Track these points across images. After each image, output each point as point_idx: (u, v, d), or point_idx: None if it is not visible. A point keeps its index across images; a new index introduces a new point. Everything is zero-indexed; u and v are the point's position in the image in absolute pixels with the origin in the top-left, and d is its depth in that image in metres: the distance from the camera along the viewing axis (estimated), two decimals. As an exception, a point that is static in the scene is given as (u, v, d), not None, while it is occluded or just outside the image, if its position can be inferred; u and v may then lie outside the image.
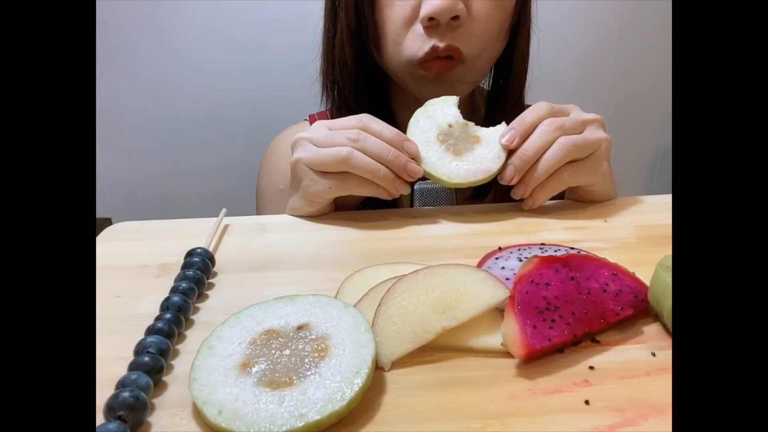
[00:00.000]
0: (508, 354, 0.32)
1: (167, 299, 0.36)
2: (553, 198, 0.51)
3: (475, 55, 0.56)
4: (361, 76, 0.61)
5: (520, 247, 0.42)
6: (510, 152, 0.49)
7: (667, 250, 0.35)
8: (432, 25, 0.53)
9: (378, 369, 0.31)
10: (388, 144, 0.47)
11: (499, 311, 0.34)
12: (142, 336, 0.32)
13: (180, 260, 0.41)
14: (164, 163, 1.30)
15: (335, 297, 0.36)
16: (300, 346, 0.30)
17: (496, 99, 0.65)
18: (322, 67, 0.65)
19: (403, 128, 0.50)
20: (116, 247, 0.46)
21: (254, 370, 0.29)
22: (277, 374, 0.28)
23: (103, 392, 0.28)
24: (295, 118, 0.73)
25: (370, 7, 0.56)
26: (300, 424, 0.26)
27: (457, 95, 0.53)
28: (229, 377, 0.28)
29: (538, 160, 0.48)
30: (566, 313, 0.33)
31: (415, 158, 0.48)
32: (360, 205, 0.55)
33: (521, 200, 0.51)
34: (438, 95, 0.53)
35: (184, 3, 1.16)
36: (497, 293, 0.34)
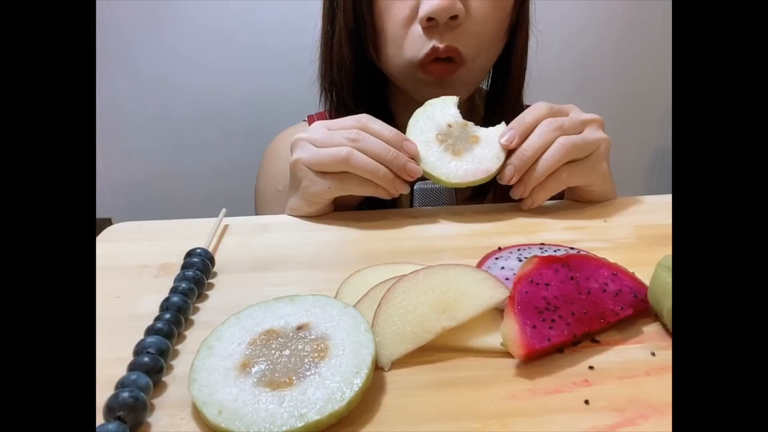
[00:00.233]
0: (507, 354, 0.32)
1: (167, 299, 0.36)
2: (552, 198, 0.51)
3: (474, 55, 0.56)
4: (360, 77, 0.61)
5: (519, 247, 0.42)
6: (509, 152, 0.49)
7: (667, 250, 0.35)
8: (431, 25, 0.53)
9: (378, 369, 0.31)
10: (388, 144, 0.47)
11: (498, 311, 0.34)
12: (141, 336, 0.32)
13: (180, 260, 0.41)
14: (164, 163, 1.30)
15: (335, 297, 0.36)
16: (300, 347, 0.30)
17: (495, 99, 0.65)
18: (321, 68, 0.65)
19: (402, 129, 0.50)
20: (116, 248, 0.46)
21: (254, 370, 0.29)
22: (276, 374, 0.28)
23: (103, 393, 0.28)
24: (295, 119, 0.73)
25: (369, 8, 0.56)
26: (300, 425, 0.26)
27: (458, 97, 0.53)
28: (229, 377, 0.28)
29: (537, 160, 0.48)
30: (566, 313, 0.33)
31: (415, 158, 0.48)
32: (359, 205, 0.55)
33: (520, 200, 0.51)
34: (437, 97, 0.53)
35: (184, 3, 1.16)
36: (497, 293, 0.34)
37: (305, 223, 0.51)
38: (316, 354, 0.29)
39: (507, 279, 0.37)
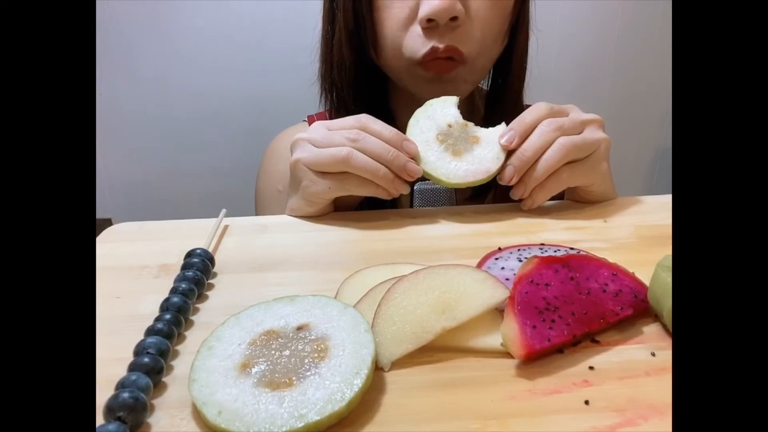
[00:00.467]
0: (507, 354, 0.32)
1: (167, 300, 0.36)
2: (552, 198, 0.51)
3: (475, 55, 0.56)
4: (360, 78, 0.61)
5: (519, 247, 0.42)
6: (509, 152, 0.49)
7: (667, 250, 0.35)
8: (431, 26, 0.53)
9: (378, 369, 0.31)
10: (388, 144, 0.47)
11: (498, 311, 0.34)
12: (141, 337, 0.32)
13: (180, 261, 0.41)
14: (164, 164, 1.30)
15: (335, 297, 0.36)
16: (300, 347, 0.30)
17: (495, 99, 0.65)
18: (321, 69, 0.65)
19: (402, 129, 0.50)
20: (116, 248, 0.46)
21: (254, 370, 0.29)
22: (276, 375, 0.28)
23: (103, 393, 0.28)
24: (295, 119, 0.73)
25: (369, 8, 0.56)
26: (300, 425, 0.26)
27: (458, 95, 0.53)
28: (229, 378, 0.28)
29: (537, 161, 0.48)
30: (566, 314, 0.33)
31: (415, 158, 0.49)
32: (359, 206, 0.55)
33: (520, 200, 0.51)
34: (438, 95, 0.53)
35: (184, 3, 1.16)
36: (497, 293, 0.34)
37: (305, 224, 0.51)
38: (316, 354, 0.29)
39: (507, 279, 0.37)
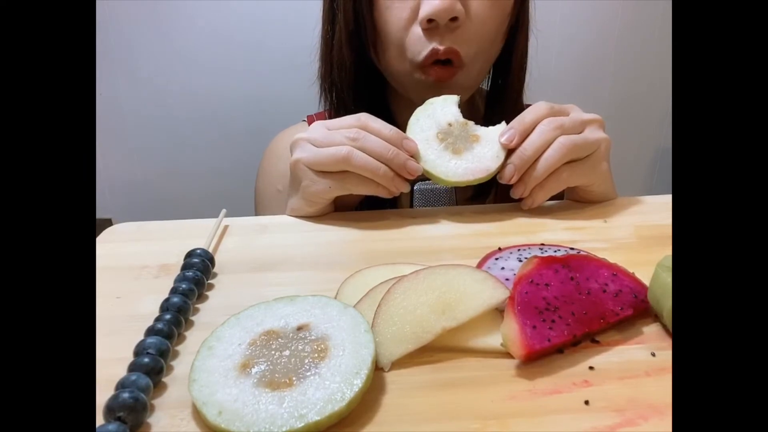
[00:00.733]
0: (507, 354, 0.32)
1: (167, 300, 0.36)
2: (552, 198, 0.51)
3: (474, 57, 0.56)
4: (360, 78, 0.61)
5: (519, 247, 0.42)
6: (509, 151, 0.49)
7: (667, 251, 0.35)
8: (431, 27, 0.53)
9: (378, 369, 0.31)
10: (388, 142, 0.47)
11: (498, 311, 0.34)
12: (141, 337, 0.32)
13: (180, 261, 0.41)
14: (164, 164, 1.30)
15: (335, 297, 0.36)
16: (300, 347, 0.30)
17: (496, 99, 0.65)
18: (321, 70, 0.65)
19: (402, 129, 0.50)
20: (116, 248, 0.46)
21: (254, 370, 0.29)
22: (276, 375, 0.28)
23: (103, 393, 0.28)
24: (295, 119, 0.73)
25: (369, 9, 0.56)
26: (300, 425, 0.26)
27: None
28: (229, 378, 0.28)
29: (537, 160, 0.48)
30: (566, 314, 0.33)
31: (415, 156, 0.49)
32: (359, 205, 0.55)
33: (520, 200, 0.51)
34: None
35: (184, 3, 1.16)
36: (497, 294, 0.34)
37: (305, 224, 0.51)
38: (316, 354, 0.29)
39: (507, 279, 0.37)
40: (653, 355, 0.32)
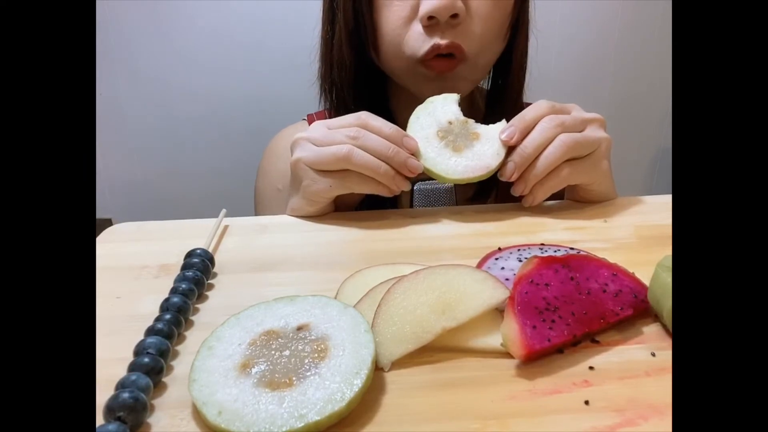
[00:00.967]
0: (507, 354, 0.31)
1: (167, 300, 0.36)
2: (552, 198, 0.51)
3: (476, 52, 0.56)
4: (360, 78, 0.61)
5: (519, 247, 0.42)
6: (510, 149, 0.49)
7: (667, 250, 0.35)
8: (431, 24, 0.53)
9: (378, 369, 0.31)
10: (388, 140, 0.47)
11: (498, 311, 0.34)
12: (141, 337, 0.32)
13: (180, 261, 0.41)
14: (164, 164, 1.30)
15: (335, 297, 0.36)
16: (300, 347, 0.30)
17: (496, 98, 0.65)
18: (321, 69, 0.65)
19: (402, 128, 0.50)
20: (116, 248, 0.46)
21: (254, 370, 0.29)
22: (276, 375, 0.28)
23: (103, 393, 0.28)
24: (295, 118, 0.73)
25: (369, 8, 0.56)
26: (300, 425, 0.26)
27: (459, 93, 0.53)
28: (229, 378, 0.28)
29: (537, 157, 0.48)
30: (566, 314, 0.33)
31: (415, 154, 0.49)
32: (359, 205, 0.55)
33: (521, 199, 0.51)
34: (439, 93, 0.53)
35: (184, 3, 1.16)
36: (497, 294, 0.34)
37: (305, 224, 0.51)
38: (316, 354, 0.29)
39: (507, 279, 0.37)
40: (653, 355, 0.32)
